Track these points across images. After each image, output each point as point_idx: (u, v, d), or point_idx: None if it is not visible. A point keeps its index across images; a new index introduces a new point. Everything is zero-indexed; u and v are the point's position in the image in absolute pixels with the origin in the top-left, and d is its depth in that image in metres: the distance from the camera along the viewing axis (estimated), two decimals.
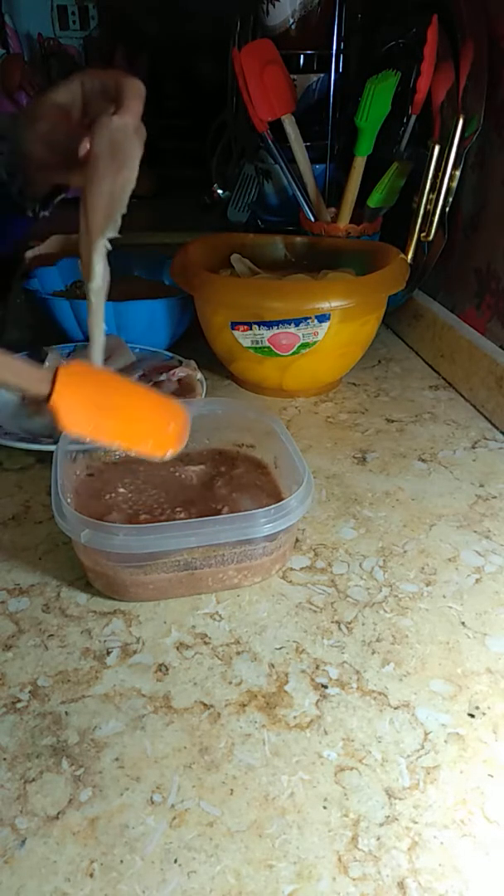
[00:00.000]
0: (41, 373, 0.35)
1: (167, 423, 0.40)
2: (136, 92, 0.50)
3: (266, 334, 0.70)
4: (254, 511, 0.45)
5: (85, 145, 0.48)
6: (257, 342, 0.71)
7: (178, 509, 0.51)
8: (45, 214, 0.57)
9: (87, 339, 0.81)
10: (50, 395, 0.35)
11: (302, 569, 0.51)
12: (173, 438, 0.40)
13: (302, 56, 0.94)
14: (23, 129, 0.52)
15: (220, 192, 1.30)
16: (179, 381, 0.72)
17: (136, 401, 0.40)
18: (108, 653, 0.44)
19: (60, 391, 0.35)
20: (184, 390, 0.70)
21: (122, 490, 0.53)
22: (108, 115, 0.46)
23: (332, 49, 0.90)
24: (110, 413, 0.38)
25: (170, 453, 0.39)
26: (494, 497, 0.60)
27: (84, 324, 0.81)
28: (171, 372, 0.72)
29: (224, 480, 0.54)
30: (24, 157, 0.53)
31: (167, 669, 0.43)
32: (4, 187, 0.54)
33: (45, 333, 0.84)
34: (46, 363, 0.73)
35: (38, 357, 0.75)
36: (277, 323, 0.69)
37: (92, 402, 0.37)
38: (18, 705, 0.40)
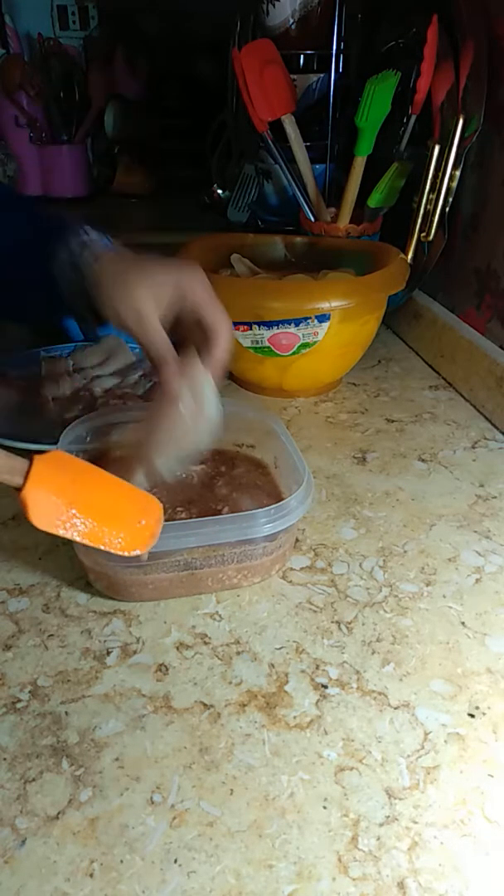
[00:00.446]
0: (16, 463, 0.36)
1: (139, 518, 0.40)
2: (226, 337, 0.49)
3: (266, 334, 0.70)
4: (254, 511, 0.45)
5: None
6: (257, 342, 0.71)
7: (178, 509, 0.51)
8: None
9: (87, 339, 0.82)
10: (22, 487, 0.35)
11: (302, 569, 0.51)
12: (145, 536, 0.40)
13: (302, 56, 0.94)
14: (90, 273, 0.51)
15: (220, 192, 1.30)
16: None
17: (112, 495, 0.40)
18: (108, 653, 0.44)
19: (32, 485, 0.35)
20: None
21: None
22: (198, 363, 0.47)
23: (332, 49, 0.90)
24: (82, 508, 0.38)
25: (136, 552, 0.39)
26: (494, 497, 0.60)
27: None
28: None
29: (224, 480, 0.54)
30: (87, 295, 0.51)
31: (167, 669, 0.43)
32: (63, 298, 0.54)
33: (45, 333, 0.84)
34: (43, 372, 0.73)
35: (36, 361, 0.75)
36: (277, 323, 0.69)
37: (64, 496, 0.37)
38: (18, 705, 0.40)
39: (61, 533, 0.37)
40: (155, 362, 0.48)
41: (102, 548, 0.38)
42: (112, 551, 0.39)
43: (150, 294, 0.47)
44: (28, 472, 0.36)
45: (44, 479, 0.36)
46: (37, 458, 0.36)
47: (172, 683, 0.42)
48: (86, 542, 0.38)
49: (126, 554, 0.39)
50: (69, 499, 0.37)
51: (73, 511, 0.37)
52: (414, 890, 0.32)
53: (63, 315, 0.60)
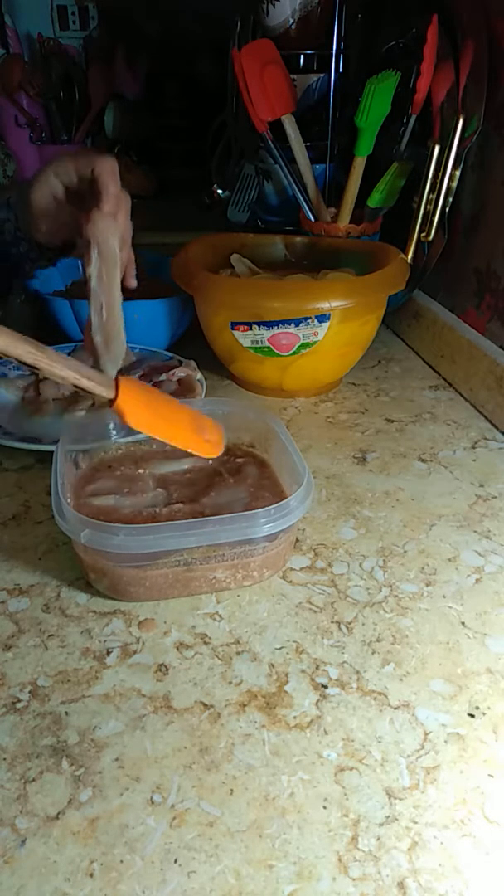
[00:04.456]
0: (106, 378, 0.41)
1: (205, 432, 0.47)
2: (108, 171, 0.54)
3: (266, 334, 0.70)
4: (254, 511, 0.45)
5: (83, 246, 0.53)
6: (257, 342, 0.71)
7: (175, 508, 0.50)
8: (51, 266, 0.67)
9: (45, 264, 0.81)
10: (115, 398, 0.41)
11: (302, 569, 0.51)
12: (212, 446, 0.47)
13: (302, 56, 0.94)
14: (23, 204, 0.59)
15: (220, 192, 1.30)
16: (179, 381, 0.72)
17: (180, 412, 0.47)
18: (108, 653, 0.44)
19: (124, 396, 0.41)
20: (184, 390, 0.70)
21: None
22: (94, 210, 0.52)
23: (332, 49, 0.90)
24: (162, 416, 0.44)
25: (210, 458, 0.46)
26: (494, 497, 0.60)
27: (84, 324, 0.81)
28: (171, 372, 0.72)
29: (224, 480, 0.54)
30: (27, 226, 0.59)
31: (167, 669, 0.43)
32: (8, 247, 0.62)
33: (46, 333, 0.84)
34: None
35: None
36: (277, 323, 0.69)
37: (147, 406, 0.43)
38: (18, 705, 0.40)
39: (151, 433, 0.43)
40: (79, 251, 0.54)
41: (188, 449, 0.45)
42: (193, 452, 0.45)
43: (37, 196, 0.57)
44: (117, 387, 0.41)
45: (131, 391, 0.42)
46: (121, 377, 0.42)
47: (172, 683, 0.42)
48: (174, 443, 0.44)
49: (203, 455, 0.46)
50: (151, 408, 0.43)
51: (157, 417, 0.44)
52: (414, 890, 0.32)
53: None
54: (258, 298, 0.69)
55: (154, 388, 0.46)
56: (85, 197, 0.54)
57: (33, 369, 0.38)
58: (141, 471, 0.54)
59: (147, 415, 0.43)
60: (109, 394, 0.41)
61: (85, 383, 0.40)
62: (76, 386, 0.40)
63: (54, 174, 0.56)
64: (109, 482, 0.53)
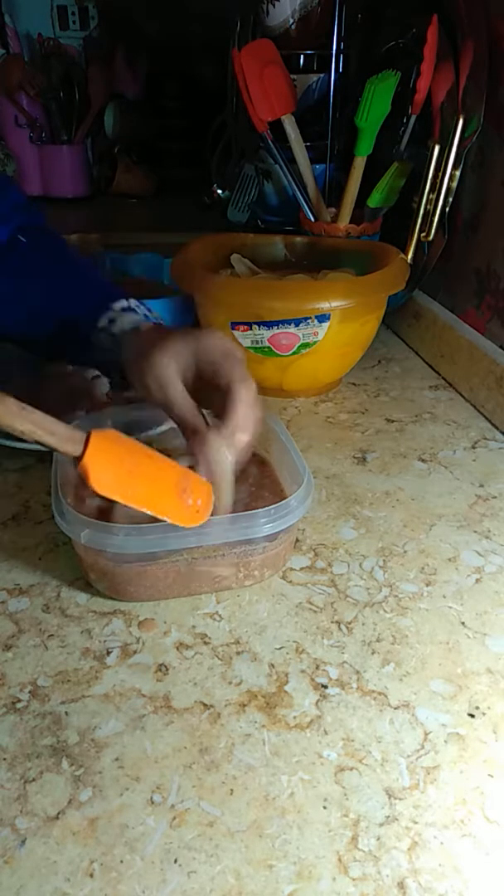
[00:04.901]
0: (74, 434, 0.37)
1: (190, 495, 0.42)
2: (244, 396, 0.46)
3: (266, 334, 0.70)
4: (254, 511, 0.45)
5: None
6: (257, 342, 0.71)
7: None
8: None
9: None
10: (81, 456, 0.37)
11: (302, 569, 0.51)
12: (195, 513, 0.42)
13: (302, 56, 0.94)
14: (128, 357, 0.52)
15: (220, 192, 1.30)
16: None
17: (164, 471, 0.42)
18: (108, 653, 0.44)
19: (91, 453, 0.37)
20: None
21: None
22: (216, 431, 0.45)
23: (332, 49, 0.90)
24: (138, 478, 0.40)
25: (193, 527, 0.42)
26: (494, 497, 0.60)
27: None
28: None
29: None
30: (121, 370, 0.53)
31: (167, 669, 0.43)
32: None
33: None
34: (42, 374, 0.73)
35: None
36: (277, 323, 0.69)
37: (121, 467, 0.39)
38: (18, 705, 0.40)
39: (120, 499, 0.38)
40: (184, 430, 0.47)
41: (159, 516, 0.40)
42: (168, 520, 0.40)
43: (169, 361, 0.47)
44: (87, 443, 0.37)
45: (101, 448, 0.38)
46: (94, 431, 0.38)
47: (172, 683, 0.42)
48: (144, 509, 0.39)
49: (180, 525, 0.41)
50: (127, 469, 0.39)
51: (131, 481, 0.39)
52: (414, 890, 0.32)
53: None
54: (258, 298, 0.69)
55: (136, 442, 0.41)
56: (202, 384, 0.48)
57: None
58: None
59: (117, 477, 0.38)
60: (75, 451, 0.37)
61: (48, 439, 0.36)
62: (38, 442, 0.36)
63: (195, 359, 0.47)
64: None
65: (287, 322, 0.69)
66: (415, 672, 0.43)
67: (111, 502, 0.42)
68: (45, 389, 0.71)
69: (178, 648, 0.44)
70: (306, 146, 0.87)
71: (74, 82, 1.50)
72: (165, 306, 0.81)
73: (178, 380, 0.47)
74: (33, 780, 0.36)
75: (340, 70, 0.92)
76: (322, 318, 0.69)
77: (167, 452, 0.53)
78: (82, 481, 0.37)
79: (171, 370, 0.47)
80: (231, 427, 0.45)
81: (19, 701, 0.41)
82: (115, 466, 0.38)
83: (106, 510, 0.49)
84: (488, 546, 0.54)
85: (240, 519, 0.45)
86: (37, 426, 0.36)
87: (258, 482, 0.53)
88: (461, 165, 0.75)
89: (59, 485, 0.47)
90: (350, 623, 0.47)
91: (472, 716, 0.40)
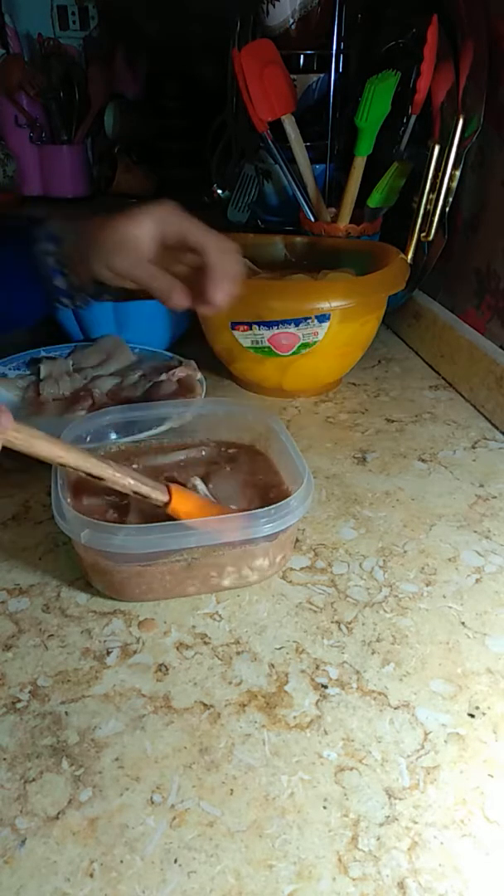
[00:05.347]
0: (160, 486, 0.46)
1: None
2: (215, 251, 0.51)
3: (266, 334, 0.70)
4: (254, 511, 0.45)
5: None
6: (257, 342, 0.71)
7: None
8: (81, 307, 0.60)
9: (87, 339, 0.82)
10: (169, 502, 0.46)
11: (302, 569, 0.51)
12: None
13: (302, 56, 0.94)
14: (73, 240, 0.53)
15: (220, 192, 1.30)
16: (179, 381, 0.72)
17: (210, 510, 0.49)
18: (108, 653, 0.44)
19: (176, 499, 0.46)
20: (184, 390, 0.70)
21: None
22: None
23: (332, 49, 0.90)
24: (202, 509, 0.48)
25: (193, 527, 0.46)
26: (494, 497, 0.60)
27: (84, 324, 0.81)
28: (171, 372, 0.72)
29: (221, 476, 0.54)
30: (72, 262, 0.54)
31: (167, 669, 0.43)
32: (44, 274, 0.56)
33: (45, 333, 0.84)
34: (42, 373, 0.73)
35: (36, 361, 0.75)
36: (277, 323, 0.69)
37: (193, 505, 0.47)
38: (18, 705, 0.40)
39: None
40: (162, 297, 0.52)
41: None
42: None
43: (134, 234, 0.50)
44: (170, 491, 0.46)
45: (179, 494, 0.46)
46: (172, 486, 0.47)
47: (172, 683, 0.42)
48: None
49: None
50: (196, 505, 0.47)
51: (202, 507, 0.48)
52: (414, 890, 0.32)
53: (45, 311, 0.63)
54: (258, 298, 0.69)
55: (192, 492, 0.50)
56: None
57: (99, 479, 0.44)
58: (135, 466, 0.55)
59: (194, 509, 0.47)
60: (164, 498, 0.46)
61: (144, 490, 0.45)
62: (136, 493, 0.45)
63: (162, 222, 0.51)
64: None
65: (287, 322, 0.69)
66: (415, 672, 0.43)
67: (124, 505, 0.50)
68: (45, 387, 0.71)
69: (178, 648, 0.44)
70: (306, 146, 0.87)
71: (74, 82, 1.50)
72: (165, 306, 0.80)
73: (145, 251, 0.51)
74: (33, 780, 0.36)
75: (340, 70, 0.92)
76: (322, 318, 0.69)
77: (154, 455, 0.57)
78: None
79: (145, 231, 0.50)
80: (217, 273, 0.50)
81: (19, 701, 0.41)
82: (188, 506, 0.47)
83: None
84: (488, 546, 0.54)
85: (240, 519, 0.45)
86: (137, 481, 0.45)
87: (258, 482, 0.53)
88: (461, 165, 0.75)
89: (59, 485, 0.47)
90: (350, 623, 0.47)
91: (472, 716, 0.40)
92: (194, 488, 0.51)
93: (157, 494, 0.45)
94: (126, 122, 1.56)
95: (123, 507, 0.50)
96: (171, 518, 0.46)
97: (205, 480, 0.53)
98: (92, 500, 0.51)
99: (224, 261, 0.51)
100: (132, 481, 0.44)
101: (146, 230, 0.51)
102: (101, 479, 0.44)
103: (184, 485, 0.52)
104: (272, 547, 0.48)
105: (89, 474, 0.43)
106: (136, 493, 0.45)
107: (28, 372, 0.75)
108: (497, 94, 0.71)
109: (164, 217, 0.51)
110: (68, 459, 0.42)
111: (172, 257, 0.52)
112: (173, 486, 0.47)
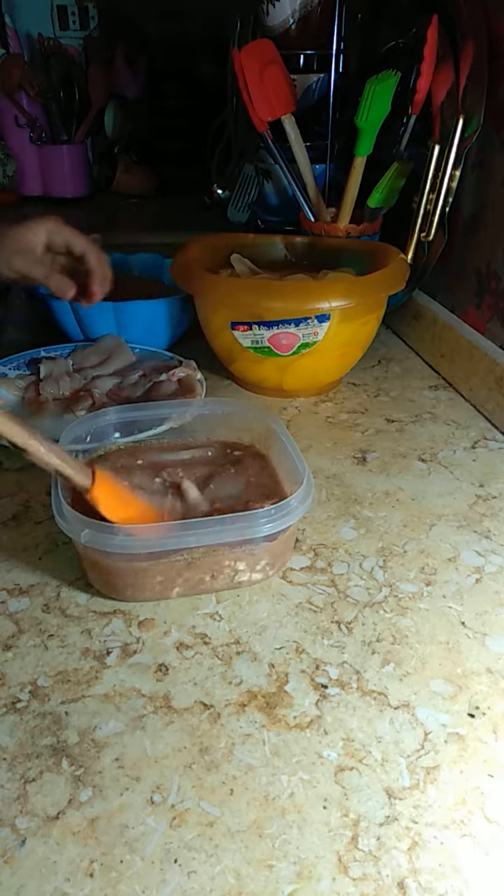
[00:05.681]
0: (86, 470, 0.45)
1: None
2: (95, 257, 0.67)
3: (266, 334, 0.70)
4: (254, 511, 0.45)
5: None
6: (257, 342, 0.71)
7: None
8: None
9: (87, 339, 0.82)
10: (90, 489, 0.45)
11: (302, 569, 0.51)
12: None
13: (302, 56, 0.94)
14: None
15: (220, 192, 1.30)
16: (179, 381, 0.72)
17: (134, 500, 0.49)
18: (108, 653, 0.44)
19: (98, 487, 0.45)
20: (184, 390, 0.70)
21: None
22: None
23: (332, 49, 0.90)
24: (128, 503, 0.48)
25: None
26: (494, 497, 0.60)
27: (84, 324, 0.81)
28: (171, 372, 0.72)
29: (224, 479, 0.54)
30: None
31: (167, 669, 0.43)
32: None
33: (45, 333, 0.84)
34: (43, 372, 0.73)
35: (36, 361, 0.75)
36: (277, 323, 0.69)
37: (115, 497, 0.47)
38: (18, 705, 0.40)
39: (115, 521, 0.45)
40: (56, 291, 0.67)
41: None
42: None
43: (36, 231, 0.65)
44: (94, 476, 0.45)
45: (103, 481, 0.45)
46: (95, 468, 0.46)
47: (172, 683, 0.42)
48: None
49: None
50: (118, 496, 0.47)
51: (121, 505, 0.47)
52: (414, 890, 0.32)
53: None
54: (258, 298, 0.69)
55: (119, 485, 0.49)
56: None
57: (23, 451, 0.42)
58: (140, 461, 0.55)
59: (114, 503, 0.46)
60: (87, 483, 0.45)
61: (67, 472, 0.44)
62: (58, 472, 0.44)
63: (51, 231, 0.65)
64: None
65: (287, 322, 0.69)
66: (415, 672, 0.43)
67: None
68: (45, 387, 0.71)
69: (178, 648, 0.44)
70: (306, 146, 0.87)
71: (74, 82, 1.50)
72: (165, 306, 0.81)
73: (39, 253, 0.66)
74: (33, 780, 0.36)
75: (340, 70, 0.92)
76: (322, 318, 0.69)
77: (158, 452, 0.57)
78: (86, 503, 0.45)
79: (39, 238, 0.65)
80: (98, 275, 0.66)
81: (19, 701, 0.41)
82: (112, 495, 0.46)
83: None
84: (488, 546, 0.54)
85: (240, 519, 0.45)
86: (61, 460, 0.44)
87: (258, 482, 0.53)
88: (461, 165, 0.75)
89: (59, 485, 0.47)
90: (350, 623, 0.47)
91: (472, 716, 0.40)
92: (186, 491, 0.51)
93: (80, 479, 0.44)
94: (126, 122, 1.56)
95: None
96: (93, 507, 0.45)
97: (207, 481, 0.53)
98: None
99: (102, 265, 0.67)
100: (56, 460, 0.43)
101: (40, 237, 0.65)
102: (24, 451, 0.42)
103: (178, 485, 0.52)
104: (272, 547, 0.48)
105: (13, 444, 0.42)
106: (58, 472, 0.44)
107: (28, 372, 0.75)
108: (497, 94, 0.71)
109: (53, 227, 0.65)
110: None
111: (54, 260, 0.67)
112: (99, 474, 0.45)
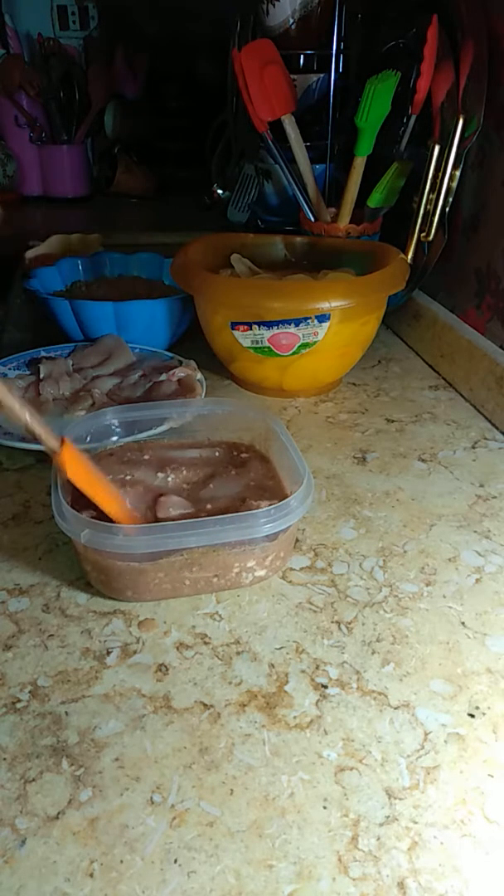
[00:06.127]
0: (53, 433, 0.45)
1: (125, 503, 0.50)
2: None
3: (266, 334, 0.70)
4: (254, 511, 0.45)
5: None
6: (257, 342, 0.71)
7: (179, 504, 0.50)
8: None
9: (87, 339, 0.82)
10: (60, 451, 0.45)
11: (302, 569, 0.52)
12: (130, 515, 0.49)
13: (302, 56, 0.94)
14: None
15: (220, 192, 1.30)
16: (179, 381, 0.72)
17: (106, 481, 0.49)
18: (108, 653, 0.44)
19: (67, 450, 0.45)
20: (184, 390, 0.70)
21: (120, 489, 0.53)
22: None
23: (332, 49, 0.90)
24: (92, 478, 0.47)
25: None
26: (494, 497, 0.60)
27: (84, 324, 0.81)
28: (171, 372, 0.72)
29: (224, 479, 0.54)
30: None
31: (167, 669, 0.43)
32: None
33: (45, 333, 0.84)
34: (43, 372, 0.73)
35: (36, 366, 0.75)
36: (277, 323, 0.69)
37: (83, 468, 0.47)
38: (18, 705, 0.40)
39: (85, 489, 0.46)
40: None
41: (110, 513, 0.47)
42: (114, 517, 0.47)
43: None
44: (62, 442, 0.45)
45: (71, 448, 0.45)
46: (67, 440, 0.46)
47: (172, 683, 0.42)
48: (101, 503, 0.47)
49: (120, 522, 0.48)
50: (85, 467, 0.47)
51: (89, 477, 0.47)
52: (414, 890, 0.32)
53: None
54: (258, 298, 0.69)
55: (87, 458, 0.49)
56: None
57: None
58: (147, 456, 0.55)
59: (84, 471, 0.47)
60: (55, 446, 0.45)
61: (38, 430, 0.44)
62: (28, 429, 0.44)
63: None
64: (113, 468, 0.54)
65: (287, 322, 0.69)
66: (415, 672, 0.43)
67: None
68: (45, 387, 0.71)
69: (178, 648, 0.44)
70: (306, 146, 0.87)
71: (74, 82, 1.50)
72: (165, 306, 0.81)
73: None
74: (33, 780, 0.36)
75: (340, 70, 0.92)
76: (322, 318, 0.69)
77: (166, 449, 0.57)
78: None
79: None
80: None
81: (19, 701, 0.41)
82: (80, 463, 0.46)
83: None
84: (488, 546, 0.54)
85: (240, 519, 0.45)
86: (34, 419, 0.43)
87: (258, 482, 0.53)
88: (461, 165, 0.75)
89: (59, 485, 0.47)
90: (350, 623, 0.47)
91: (472, 716, 0.40)
92: (161, 504, 0.51)
93: (51, 441, 0.45)
94: (126, 122, 1.57)
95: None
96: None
97: (207, 480, 0.53)
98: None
99: None
100: (29, 417, 0.43)
101: None
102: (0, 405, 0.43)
103: (178, 493, 0.52)
104: (272, 547, 0.48)
105: None
106: (28, 429, 0.44)
107: (28, 372, 0.75)
108: (497, 94, 0.71)
109: None
110: None
111: None
112: (68, 443, 0.46)
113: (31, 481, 0.61)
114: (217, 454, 0.57)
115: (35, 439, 0.44)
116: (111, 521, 0.47)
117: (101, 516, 0.46)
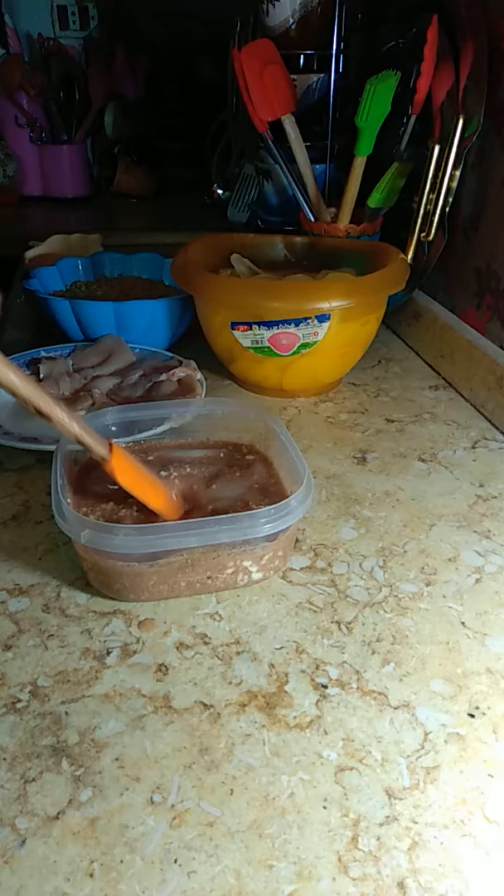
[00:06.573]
0: (104, 441, 0.46)
1: (170, 497, 0.51)
2: None
3: (266, 334, 0.70)
4: (254, 511, 0.45)
5: None
6: (257, 342, 0.71)
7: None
8: None
9: (87, 339, 0.82)
10: (108, 460, 0.45)
11: (302, 569, 0.52)
12: (176, 510, 0.50)
13: (302, 56, 0.94)
14: None
15: (220, 192, 1.30)
16: (179, 381, 0.72)
17: (150, 477, 0.50)
18: (108, 653, 0.44)
19: (116, 455, 0.46)
20: (184, 390, 0.70)
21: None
22: None
23: (332, 49, 0.90)
24: (141, 478, 0.48)
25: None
26: (494, 497, 0.60)
27: (84, 324, 0.81)
28: (171, 372, 0.72)
29: (224, 479, 0.54)
30: None
31: (167, 669, 0.43)
32: None
33: (45, 333, 0.84)
34: (42, 373, 0.73)
35: (36, 366, 0.75)
36: (277, 323, 0.69)
37: (134, 471, 0.48)
38: (18, 705, 0.40)
39: (136, 492, 0.47)
40: None
41: (160, 510, 0.49)
42: (161, 514, 0.49)
43: None
44: (111, 448, 0.46)
45: (120, 453, 0.46)
46: (112, 442, 0.46)
47: (172, 683, 0.42)
48: (151, 503, 0.48)
49: (167, 517, 0.49)
50: (135, 468, 0.48)
51: (138, 479, 0.48)
52: (414, 890, 0.32)
53: None
54: (258, 298, 0.69)
55: (137, 461, 0.50)
56: None
57: (46, 418, 0.43)
58: (150, 458, 0.55)
59: (131, 475, 0.48)
60: (105, 454, 0.45)
61: (87, 440, 0.44)
62: (78, 440, 0.44)
63: None
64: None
65: (287, 322, 0.69)
66: (415, 672, 0.43)
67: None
68: (45, 387, 0.71)
69: (178, 648, 0.44)
70: (306, 146, 0.87)
71: (74, 82, 1.50)
72: (165, 306, 0.81)
73: None
74: (33, 780, 0.36)
75: (340, 70, 0.92)
76: (322, 318, 0.69)
77: (170, 450, 0.57)
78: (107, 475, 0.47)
79: None
80: None
81: (19, 701, 0.41)
82: (129, 467, 0.47)
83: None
84: (488, 546, 0.54)
85: (240, 519, 0.45)
86: (83, 429, 0.44)
87: (259, 482, 0.53)
88: (461, 165, 0.75)
89: (59, 485, 0.47)
90: (350, 623, 0.47)
91: (472, 716, 0.40)
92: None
93: (99, 449, 0.45)
94: (126, 122, 1.57)
95: (122, 499, 0.50)
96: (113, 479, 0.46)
97: (211, 480, 0.53)
98: (89, 499, 0.51)
99: None
100: (77, 429, 0.44)
101: None
102: (48, 418, 0.43)
103: (181, 494, 0.52)
104: (272, 547, 0.48)
105: (38, 411, 0.42)
106: (78, 440, 0.44)
107: (28, 372, 0.75)
108: (497, 94, 0.71)
109: None
110: (21, 389, 0.41)
111: None
112: (116, 446, 0.46)
113: (31, 481, 0.61)
114: (221, 455, 0.57)
115: (84, 448, 0.45)
116: (156, 518, 0.48)
117: (145, 513, 0.48)
